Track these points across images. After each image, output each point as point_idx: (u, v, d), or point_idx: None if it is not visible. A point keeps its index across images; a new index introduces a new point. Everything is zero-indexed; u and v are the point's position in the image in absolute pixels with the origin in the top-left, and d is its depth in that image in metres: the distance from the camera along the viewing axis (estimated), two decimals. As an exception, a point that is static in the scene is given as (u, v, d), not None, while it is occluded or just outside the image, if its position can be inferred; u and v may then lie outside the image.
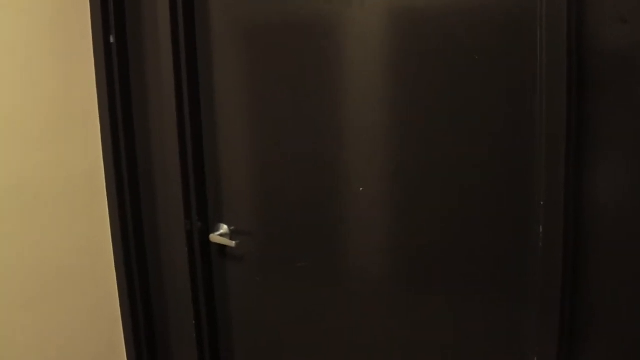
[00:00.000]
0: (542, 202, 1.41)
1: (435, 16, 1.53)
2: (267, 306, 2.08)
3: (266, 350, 2.13)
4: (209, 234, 2.12)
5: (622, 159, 1.33)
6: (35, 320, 2.11)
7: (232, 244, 2.05)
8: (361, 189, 1.74)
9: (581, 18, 1.32)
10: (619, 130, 1.32)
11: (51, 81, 2.08)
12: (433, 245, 1.63)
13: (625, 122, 1.31)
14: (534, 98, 1.40)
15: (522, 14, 1.40)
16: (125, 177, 2.24)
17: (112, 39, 2.14)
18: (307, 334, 2.00)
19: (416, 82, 1.59)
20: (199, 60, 2.04)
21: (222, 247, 2.14)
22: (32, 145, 2.04)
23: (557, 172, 1.37)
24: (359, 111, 1.71)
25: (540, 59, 1.37)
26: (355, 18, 1.67)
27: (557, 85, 1.33)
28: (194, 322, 2.19)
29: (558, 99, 1.33)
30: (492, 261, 1.55)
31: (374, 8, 1.63)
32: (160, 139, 2.17)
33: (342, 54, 1.71)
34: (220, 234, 2.09)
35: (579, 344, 1.46)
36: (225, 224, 2.10)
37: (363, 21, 1.66)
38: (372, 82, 1.67)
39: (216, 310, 2.22)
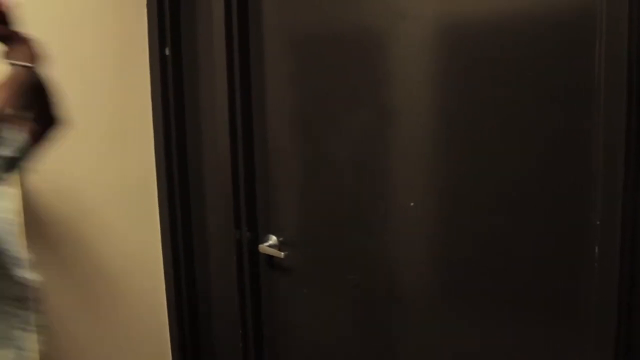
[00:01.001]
0: (598, 222, 1.38)
1: (487, 29, 1.52)
2: (313, 319, 2.08)
3: (312, 363, 2.13)
4: (258, 245, 2.13)
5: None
6: (88, 326, 2.16)
7: (281, 255, 2.06)
8: (412, 203, 1.73)
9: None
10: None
11: (108, 92, 2.13)
12: (485, 263, 1.61)
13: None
14: (592, 112, 1.38)
15: (581, 23, 1.38)
16: (177, 187, 2.28)
17: (167, 52, 2.19)
18: (354, 350, 1.99)
19: (468, 95, 1.57)
20: (252, 72, 2.06)
21: (270, 258, 2.15)
22: (91, 153, 2.09)
23: (614, 192, 1.34)
24: (409, 124, 1.71)
25: (599, 73, 1.34)
26: (407, 31, 1.67)
27: (616, 100, 1.30)
28: (240, 332, 2.21)
29: (616, 115, 1.30)
30: (546, 282, 1.52)
31: (425, 21, 1.63)
32: (212, 150, 2.20)
33: (393, 67, 1.71)
34: (269, 245, 2.11)
35: (635, 369, 1.42)
36: (274, 234, 2.12)
37: (414, 34, 1.65)
38: (422, 95, 1.67)
39: (263, 321, 2.24)
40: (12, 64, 1.40)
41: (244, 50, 2.05)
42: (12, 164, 1.41)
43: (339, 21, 1.81)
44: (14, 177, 1.55)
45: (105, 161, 2.14)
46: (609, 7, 1.30)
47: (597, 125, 1.36)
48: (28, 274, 1.47)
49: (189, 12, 2.19)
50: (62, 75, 1.97)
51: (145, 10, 2.19)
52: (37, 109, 1.51)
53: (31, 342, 1.52)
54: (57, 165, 1.99)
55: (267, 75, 2.03)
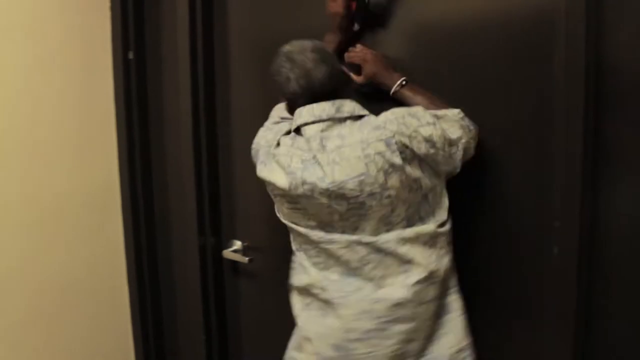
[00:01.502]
0: (557, 224, 1.41)
1: (454, 37, 1.55)
2: (280, 324, 2.07)
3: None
4: (222, 250, 2.12)
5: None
6: (48, 332, 2.12)
7: (245, 260, 2.06)
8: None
9: (599, 39, 1.32)
10: (636, 151, 1.32)
11: (71, 96, 2.10)
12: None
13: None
14: (552, 119, 1.41)
15: (540, 35, 1.41)
16: (140, 193, 2.25)
17: (131, 55, 2.17)
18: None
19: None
20: (216, 76, 2.06)
21: (235, 264, 2.14)
22: (51, 159, 2.06)
23: (572, 194, 1.36)
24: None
25: (559, 79, 1.37)
26: (373, 36, 1.68)
27: (574, 106, 1.33)
28: (204, 337, 2.19)
29: (575, 119, 1.33)
30: (509, 283, 1.55)
31: (395, 26, 1.65)
32: (176, 155, 2.18)
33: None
34: (234, 250, 2.10)
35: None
36: (239, 239, 2.11)
37: (382, 39, 1.67)
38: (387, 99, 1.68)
39: (227, 326, 2.22)
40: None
41: (209, 54, 2.04)
42: None
43: (306, 25, 1.81)
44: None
45: (66, 166, 2.11)
46: (567, 16, 1.33)
47: (557, 130, 1.39)
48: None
49: (153, 15, 2.18)
50: (22, 79, 1.95)
51: (108, 14, 2.17)
52: None
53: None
54: (18, 171, 1.96)
55: (232, 79, 2.03)
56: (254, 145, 1.57)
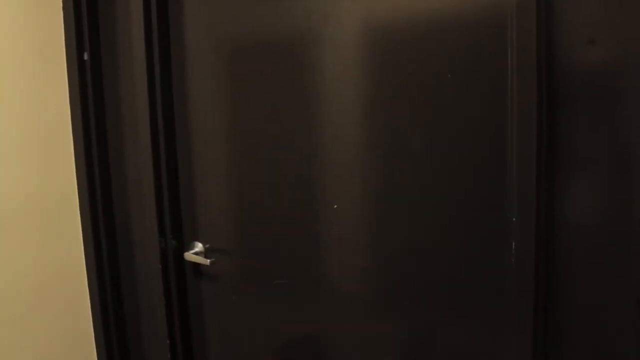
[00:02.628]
0: (514, 219, 1.42)
1: (409, 36, 1.55)
2: (243, 325, 2.06)
3: (241, 369, 2.11)
4: (183, 252, 2.10)
5: (592, 176, 1.35)
6: (7, 342, 2.08)
7: (207, 262, 2.04)
8: (335, 206, 1.74)
9: (551, 39, 1.34)
10: (588, 149, 1.34)
11: (24, 98, 2.06)
12: (408, 262, 1.64)
13: (594, 141, 1.33)
14: (505, 117, 1.42)
15: (493, 35, 1.42)
16: (99, 196, 2.22)
17: (86, 56, 2.13)
18: (287, 355, 1.99)
19: (391, 101, 1.60)
20: (173, 78, 2.03)
21: (197, 266, 2.12)
22: (3, 164, 2.02)
23: (528, 190, 1.38)
24: (334, 129, 1.72)
25: (511, 79, 1.39)
26: (332, 36, 1.68)
27: (527, 105, 1.35)
28: (168, 342, 2.16)
29: (528, 118, 1.35)
30: (467, 277, 1.56)
31: (350, 27, 1.64)
32: (134, 157, 2.15)
33: (318, 73, 1.72)
34: (195, 252, 2.08)
35: (552, 360, 1.47)
36: (200, 241, 2.09)
37: (339, 40, 1.67)
38: (347, 101, 1.68)
39: (191, 330, 2.20)
40: None
41: (165, 55, 2.02)
42: None
43: (265, 26, 1.80)
44: None
45: (22, 171, 2.07)
46: (518, 13, 1.35)
47: (511, 127, 1.41)
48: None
49: (108, 15, 2.14)
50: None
51: (61, 14, 2.13)
52: None
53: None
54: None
55: (189, 80, 2.01)
56: None
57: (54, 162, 2.17)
